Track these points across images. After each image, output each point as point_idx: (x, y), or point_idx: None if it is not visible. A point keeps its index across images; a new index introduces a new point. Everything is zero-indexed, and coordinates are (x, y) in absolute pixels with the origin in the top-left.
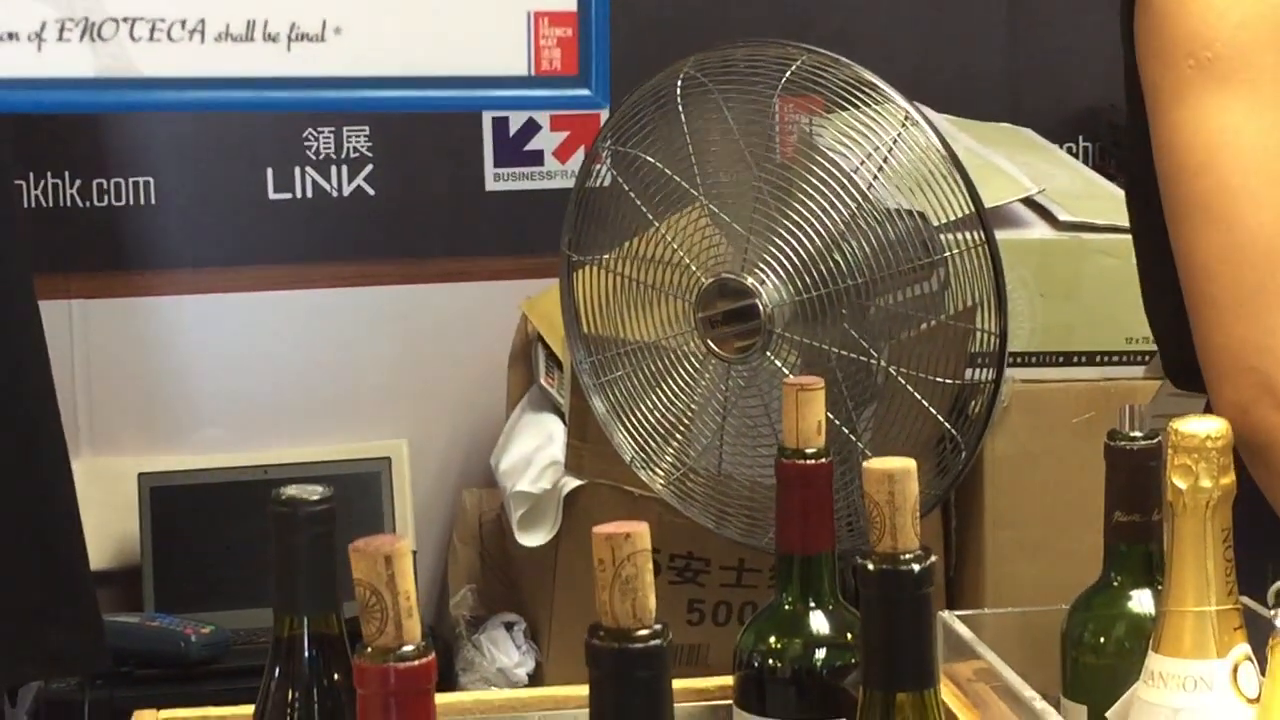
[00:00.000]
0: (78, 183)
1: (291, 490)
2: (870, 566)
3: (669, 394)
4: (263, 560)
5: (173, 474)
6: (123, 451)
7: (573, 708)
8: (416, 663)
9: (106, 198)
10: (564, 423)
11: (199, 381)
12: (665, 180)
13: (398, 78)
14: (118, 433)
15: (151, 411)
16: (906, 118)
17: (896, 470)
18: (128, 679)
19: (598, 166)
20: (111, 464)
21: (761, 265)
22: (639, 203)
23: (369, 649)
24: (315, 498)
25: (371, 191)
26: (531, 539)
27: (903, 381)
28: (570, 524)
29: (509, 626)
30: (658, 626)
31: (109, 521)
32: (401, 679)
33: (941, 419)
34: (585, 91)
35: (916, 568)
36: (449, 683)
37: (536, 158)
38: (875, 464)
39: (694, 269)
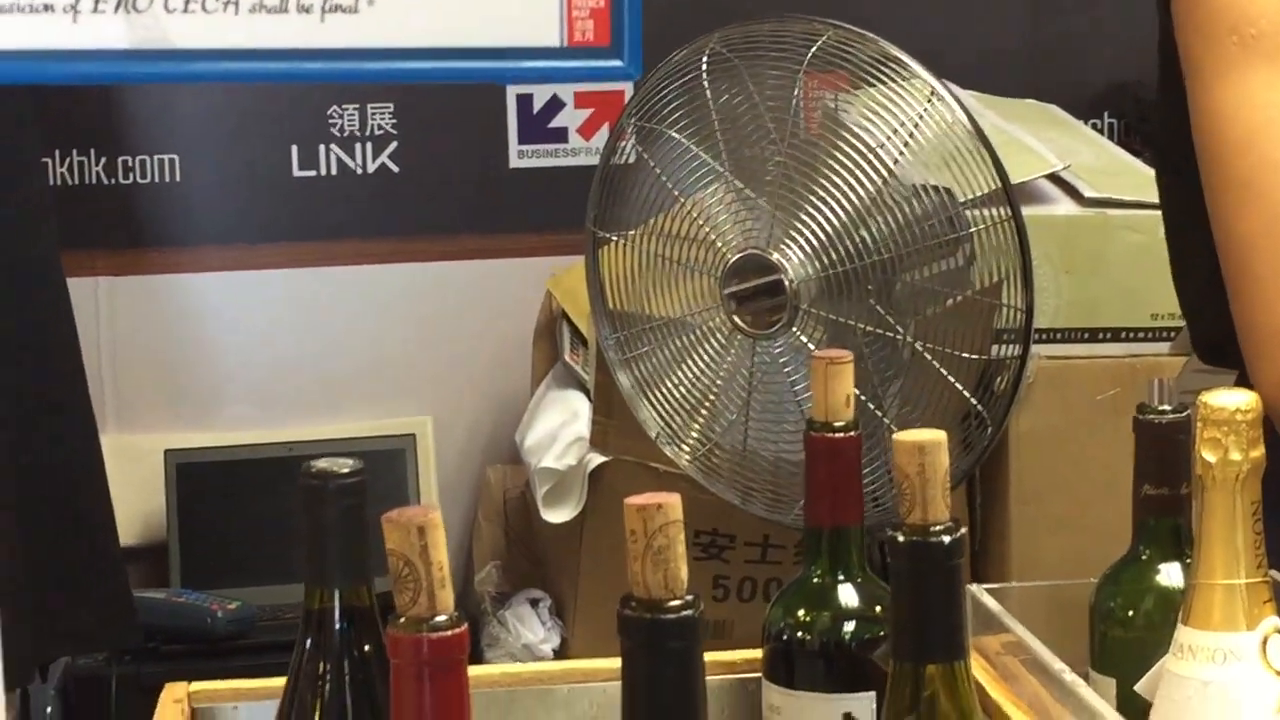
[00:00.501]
0: (103, 160)
1: (322, 463)
2: (900, 538)
3: (694, 370)
4: (289, 536)
5: (198, 451)
6: (149, 429)
7: (601, 680)
8: (449, 633)
9: (132, 175)
10: (589, 399)
11: (224, 359)
12: (691, 156)
13: (430, 49)
14: (143, 410)
15: (177, 389)
16: (932, 93)
17: (927, 442)
18: (154, 654)
19: (623, 143)
20: (137, 441)
21: (787, 241)
22: (664, 179)
23: (402, 619)
24: (346, 470)
25: (396, 169)
26: (557, 515)
27: (929, 357)
28: (595, 500)
29: (534, 603)
30: (689, 597)
31: (135, 499)
32: (435, 649)
33: (967, 394)
34: (618, 63)
35: (947, 539)
36: (474, 659)
37: (561, 135)
38: (906, 436)
39: (719, 245)
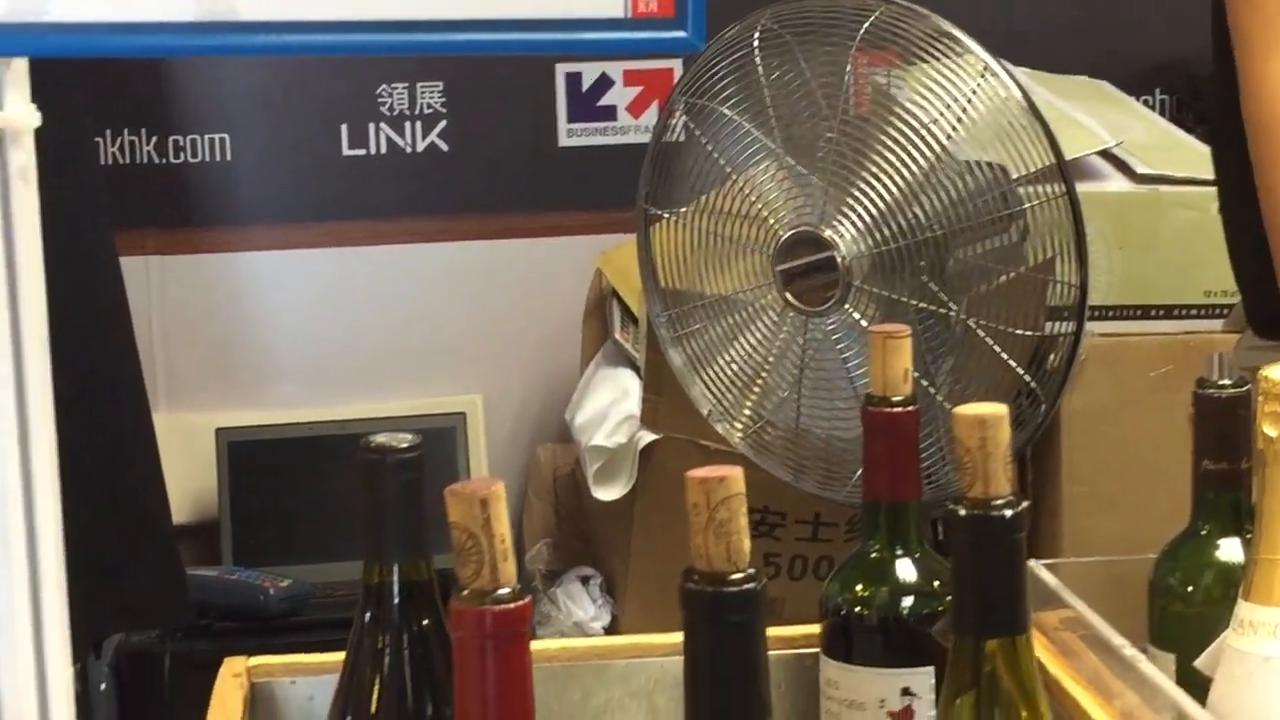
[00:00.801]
0: (154, 139)
1: (381, 438)
2: (962, 512)
3: (747, 347)
4: (339, 514)
5: (249, 429)
6: (200, 407)
7: (658, 655)
8: (513, 605)
9: (183, 154)
10: (639, 377)
11: (275, 337)
12: (743, 133)
13: (494, 20)
14: (195, 389)
15: (228, 367)
16: (985, 69)
17: (989, 415)
18: (207, 632)
19: (674, 120)
20: (189, 420)
21: (839, 218)
22: (716, 155)
23: (465, 591)
24: (404, 445)
25: (445, 147)
26: (607, 493)
27: (981, 334)
28: (646, 478)
29: (585, 580)
30: (752, 570)
31: (187, 477)
32: (498, 621)
33: (1020, 371)
34: (682, 34)
35: (1008, 513)
36: None
37: (610, 113)
38: (967, 409)
39: (771, 222)
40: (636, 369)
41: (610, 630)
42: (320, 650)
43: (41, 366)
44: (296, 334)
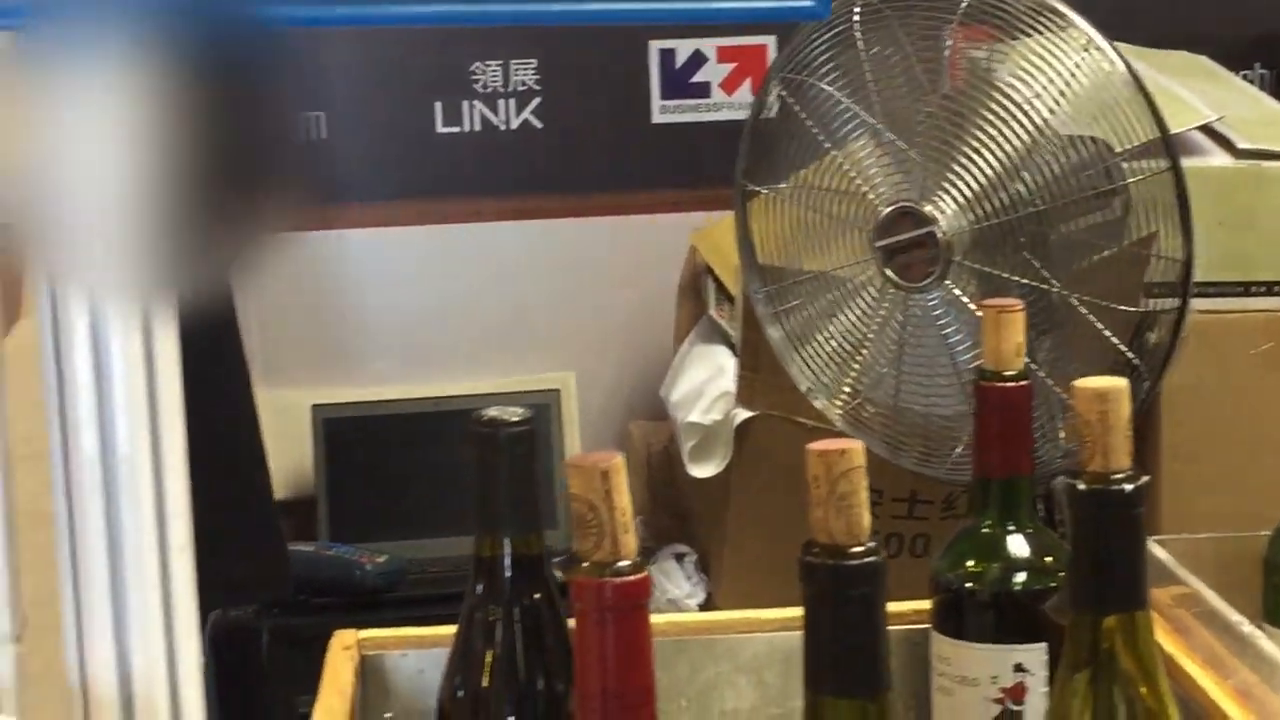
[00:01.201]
0: None
1: (492, 411)
2: (1081, 487)
3: (846, 323)
4: (434, 490)
5: (345, 406)
6: (296, 384)
7: (767, 630)
8: (633, 577)
9: None
10: (734, 354)
11: (370, 315)
12: (842, 109)
13: None
14: (291, 366)
15: (324, 344)
16: (1089, 43)
17: (1109, 389)
18: (304, 607)
19: (772, 96)
20: (285, 397)
21: (939, 193)
22: (815, 131)
23: (585, 564)
24: (516, 419)
25: (539, 125)
26: (703, 470)
27: (1083, 310)
28: (741, 455)
29: (679, 557)
30: (872, 543)
31: (283, 453)
32: (618, 593)
33: (1123, 348)
34: (808, 2)
35: (1129, 487)
36: None
37: (703, 89)
38: (1087, 383)
39: (871, 197)
40: (732, 346)
41: (704, 607)
42: (419, 625)
43: (170, 341)
44: (391, 311)
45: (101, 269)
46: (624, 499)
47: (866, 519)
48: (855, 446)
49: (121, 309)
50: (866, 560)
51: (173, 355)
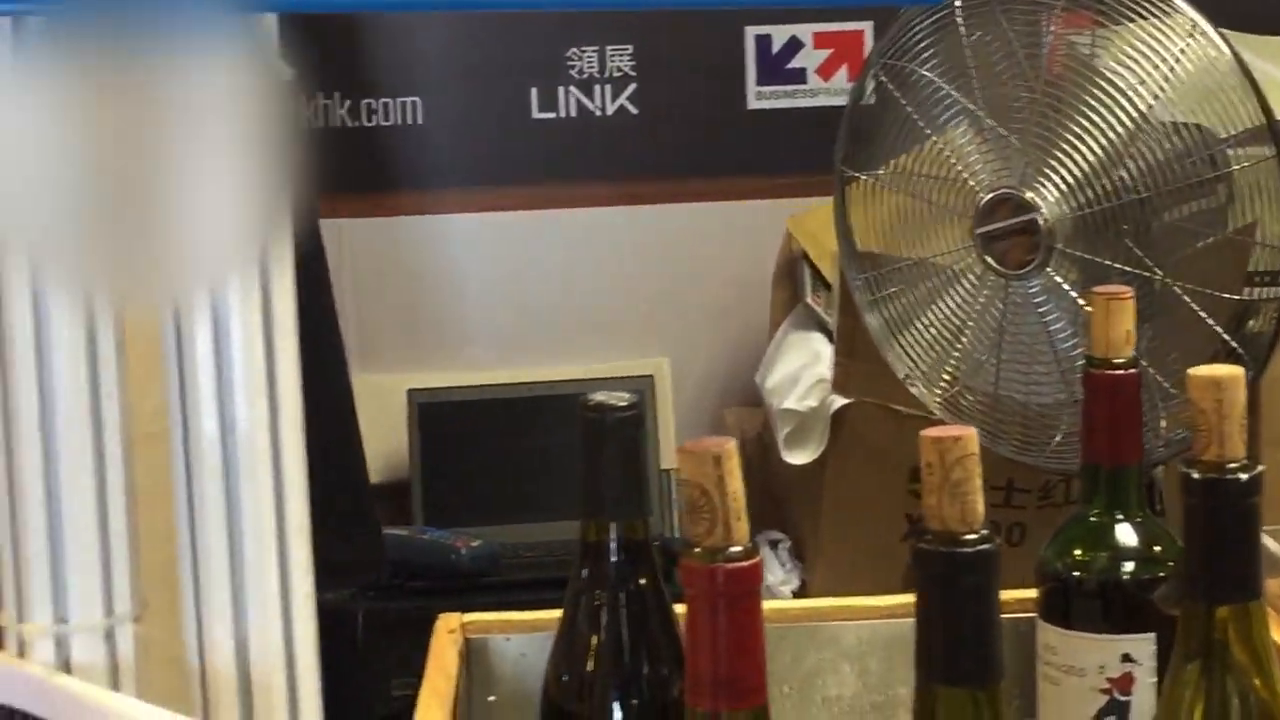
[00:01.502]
0: (347, 103)
1: (600, 396)
2: (1196, 475)
3: (945, 311)
4: (528, 476)
5: (440, 390)
6: (391, 369)
7: (871, 618)
8: (745, 563)
9: (375, 118)
10: (830, 341)
11: (464, 300)
12: (942, 95)
13: None
14: (386, 351)
15: (418, 329)
16: (1194, 27)
17: (1224, 377)
18: (400, 591)
19: (872, 82)
20: (380, 381)
21: (1041, 180)
22: (915, 117)
23: (697, 549)
24: (624, 404)
25: (634, 110)
26: (798, 457)
27: (1185, 298)
28: (837, 442)
29: (773, 544)
30: (986, 530)
31: (378, 438)
32: (730, 579)
33: (1226, 336)
34: None
35: (1244, 476)
36: None
37: (799, 75)
38: (1202, 371)
39: (971, 184)
40: (828, 332)
41: (799, 594)
42: (513, 609)
43: (288, 318)
44: (486, 297)
45: (222, 248)
46: (736, 484)
47: (980, 506)
48: (969, 433)
49: (240, 288)
50: (980, 548)
51: (291, 333)
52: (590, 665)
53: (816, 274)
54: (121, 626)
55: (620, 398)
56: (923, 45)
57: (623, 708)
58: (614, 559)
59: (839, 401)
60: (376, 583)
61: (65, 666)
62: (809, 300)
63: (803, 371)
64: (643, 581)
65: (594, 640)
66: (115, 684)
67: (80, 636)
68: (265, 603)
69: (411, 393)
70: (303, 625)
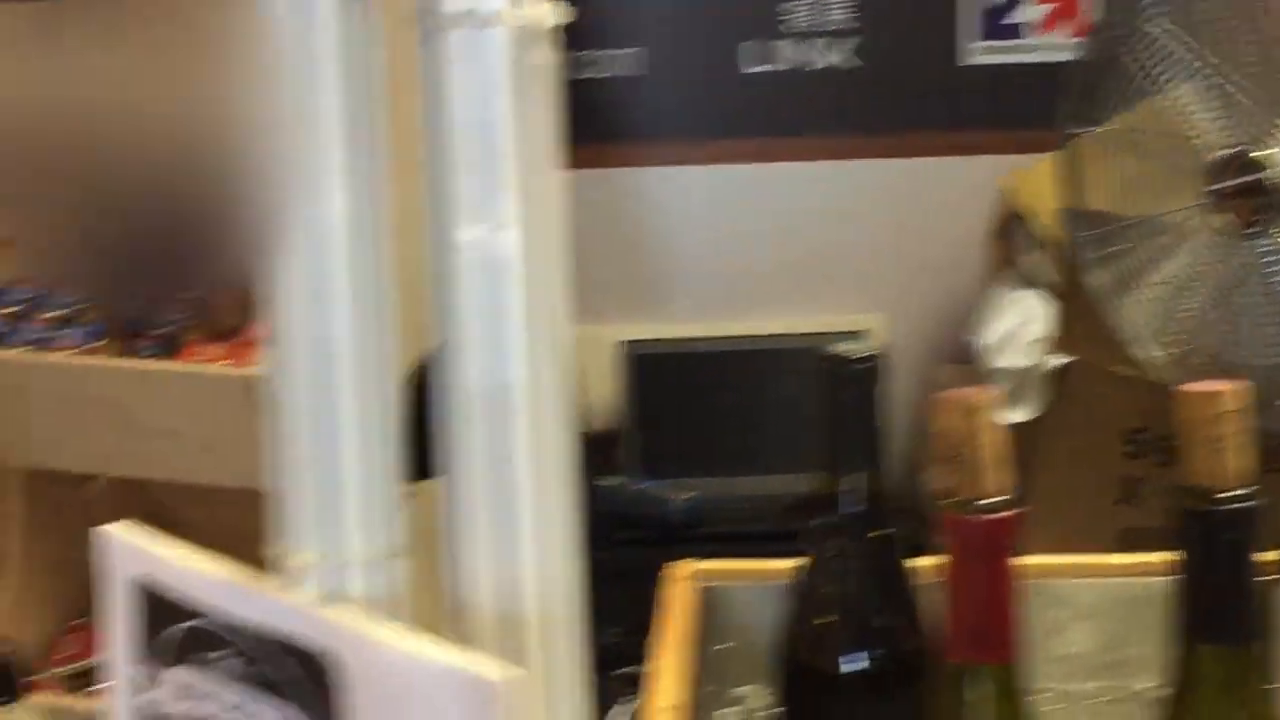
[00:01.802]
0: (570, 55)
1: (840, 346)
2: None
3: (1170, 270)
4: (741, 428)
5: (652, 342)
6: (605, 320)
7: (1110, 575)
8: (1003, 514)
9: (593, 70)
10: (1047, 300)
11: (679, 252)
12: (1169, 51)
13: None
14: (602, 302)
15: (633, 280)
16: None
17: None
18: (609, 541)
19: (1097, 38)
20: (596, 332)
21: (1270, 138)
22: (1141, 75)
23: (954, 500)
24: (864, 354)
25: (850, 65)
26: (1015, 415)
27: None
28: (1054, 401)
29: None
30: (1247, 488)
31: (591, 387)
32: (987, 530)
33: None
34: None
35: None
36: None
37: (1018, 31)
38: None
39: (1197, 141)
40: (1044, 291)
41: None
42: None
43: (556, 268)
44: (700, 249)
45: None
46: (993, 434)
47: (1241, 461)
48: (1229, 389)
49: (509, 238)
50: (1240, 505)
51: (558, 284)
52: (828, 616)
53: (1032, 232)
54: (393, 560)
55: (860, 348)
56: (1151, 1)
57: (862, 659)
58: (853, 510)
59: (1057, 361)
60: (588, 531)
61: (338, 598)
62: (1025, 258)
63: (1020, 330)
64: (880, 532)
65: (831, 591)
66: (388, 616)
67: (352, 569)
68: (527, 541)
69: (624, 344)
70: (565, 564)
